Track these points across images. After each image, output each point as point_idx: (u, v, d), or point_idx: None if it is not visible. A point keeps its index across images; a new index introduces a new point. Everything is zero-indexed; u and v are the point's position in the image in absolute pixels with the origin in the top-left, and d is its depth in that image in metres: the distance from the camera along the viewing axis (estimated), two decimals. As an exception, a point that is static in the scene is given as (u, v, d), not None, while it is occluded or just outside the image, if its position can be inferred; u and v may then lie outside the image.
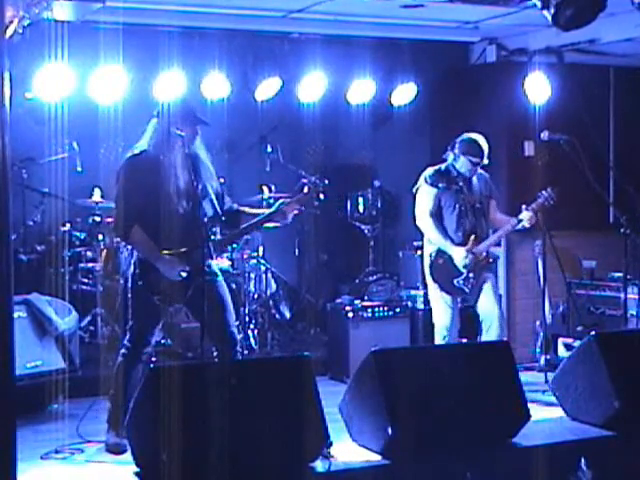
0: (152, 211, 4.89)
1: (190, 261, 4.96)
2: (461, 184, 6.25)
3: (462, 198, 6.23)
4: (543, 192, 6.17)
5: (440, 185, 6.22)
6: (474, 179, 6.31)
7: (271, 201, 7.81)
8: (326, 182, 5.31)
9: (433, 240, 6.20)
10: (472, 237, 6.16)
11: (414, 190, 6.33)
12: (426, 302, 7.50)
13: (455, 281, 6.17)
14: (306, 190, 5.15)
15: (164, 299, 4.97)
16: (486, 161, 6.24)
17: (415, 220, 6.29)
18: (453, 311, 6.24)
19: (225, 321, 5.05)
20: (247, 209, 5.35)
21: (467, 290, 6.21)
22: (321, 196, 5.26)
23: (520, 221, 6.21)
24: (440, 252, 6.19)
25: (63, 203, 7.03)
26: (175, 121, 5.01)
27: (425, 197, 6.24)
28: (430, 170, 6.31)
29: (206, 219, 5.03)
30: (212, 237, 5.16)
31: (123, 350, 5.12)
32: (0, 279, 3.12)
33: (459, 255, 6.12)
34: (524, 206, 6.21)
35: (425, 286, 6.60)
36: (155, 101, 6.82)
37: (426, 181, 6.27)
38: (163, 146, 5.00)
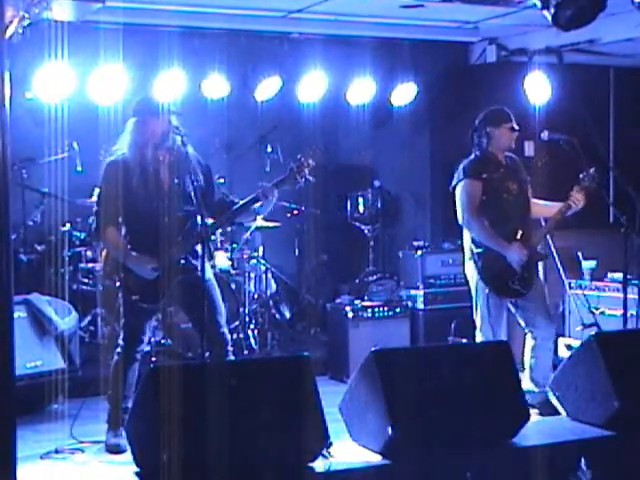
0: (129, 213, 5.00)
1: (165, 258, 4.99)
2: (502, 170, 5.74)
3: (506, 186, 5.72)
4: (585, 173, 5.74)
5: (484, 175, 5.69)
6: (511, 163, 5.82)
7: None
8: (311, 162, 5.23)
9: (483, 240, 5.67)
10: (519, 231, 5.69)
11: (452, 186, 5.80)
12: (426, 302, 7.52)
13: (510, 282, 5.69)
14: (291, 167, 5.16)
15: (142, 298, 5.03)
16: (516, 126, 5.77)
17: (458, 219, 5.76)
18: (497, 319, 5.74)
19: (216, 322, 5.08)
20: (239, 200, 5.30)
21: (524, 291, 5.73)
22: (307, 173, 5.20)
23: (569, 206, 5.72)
24: (488, 252, 5.67)
25: (63, 203, 7.03)
26: (149, 117, 5.04)
27: (469, 192, 5.69)
28: (467, 161, 5.79)
29: (187, 214, 5.03)
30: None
31: (118, 349, 5.17)
32: (0, 279, 3.12)
33: (514, 252, 5.62)
34: (574, 187, 5.75)
35: (469, 294, 5.97)
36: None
37: (466, 174, 5.71)
38: (140, 146, 5.05)
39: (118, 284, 5.08)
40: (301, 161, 5.17)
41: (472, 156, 5.83)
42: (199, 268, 4.93)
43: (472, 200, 5.69)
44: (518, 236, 5.71)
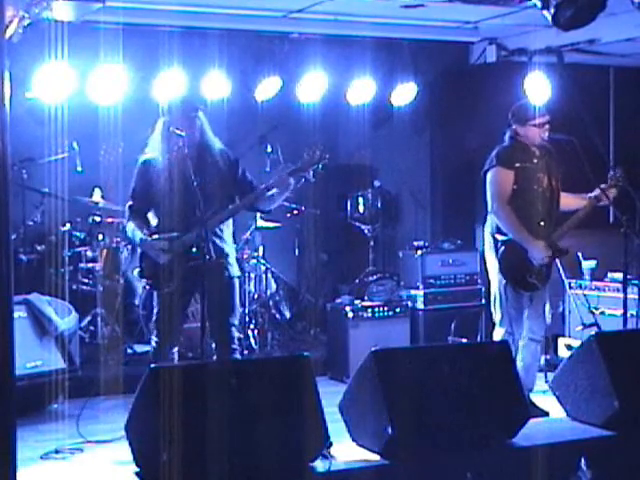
0: (157, 206, 5.24)
1: (178, 245, 5.12)
2: (535, 161, 5.69)
3: (537, 178, 5.65)
4: (614, 171, 5.79)
5: (517, 164, 5.61)
6: (545, 155, 5.75)
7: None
8: (327, 156, 5.32)
9: (509, 231, 5.60)
10: (544, 225, 5.65)
11: (483, 171, 5.74)
12: (426, 302, 7.52)
13: (528, 276, 5.62)
14: (306, 157, 5.26)
15: (154, 283, 5.20)
16: (545, 119, 5.68)
17: (489, 207, 5.68)
18: (518, 311, 5.71)
19: (227, 322, 5.19)
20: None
21: (540, 286, 5.69)
22: (320, 166, 5.31)
23: (598, 200, 5.71)
24: (511, 242, 5.60)
25: (63, 203, 7.03)
26: (175, 119, 5.21)
27: (500, 180, 5.61)
28: (501, 148, 5.72)
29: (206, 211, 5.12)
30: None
31: (153, 344, 5.29)
32: (0, 279, 3.12)
33: (538, 251, 5.57)
34: (602, 185, 5.75)
35: (487, 280, 5.98)
36: (156, 101, 6.84)
37: (500, 161, 5.63)
38: (167, 145, 5.23)
39: (138, 270, 5.29)
40: (316, 153, 5.23)
41: (506, 143, 5.77)
42: (228, 266, 5.22)
43: (503, 189, 5.62)
44: (542, 229, 5.65)
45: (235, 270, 5.33)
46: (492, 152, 5.77)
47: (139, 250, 5.31)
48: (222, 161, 5.31)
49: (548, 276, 5.78)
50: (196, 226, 5.05)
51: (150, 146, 5.32)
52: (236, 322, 5.29)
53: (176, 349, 5.29)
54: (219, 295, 5.10)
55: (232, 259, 5.32)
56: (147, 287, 5.33)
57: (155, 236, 5.16)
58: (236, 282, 5.32)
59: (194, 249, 5.08)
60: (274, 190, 5.27)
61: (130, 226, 5.30)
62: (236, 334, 5.31)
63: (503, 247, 5.67)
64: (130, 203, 5.34)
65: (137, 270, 5.37)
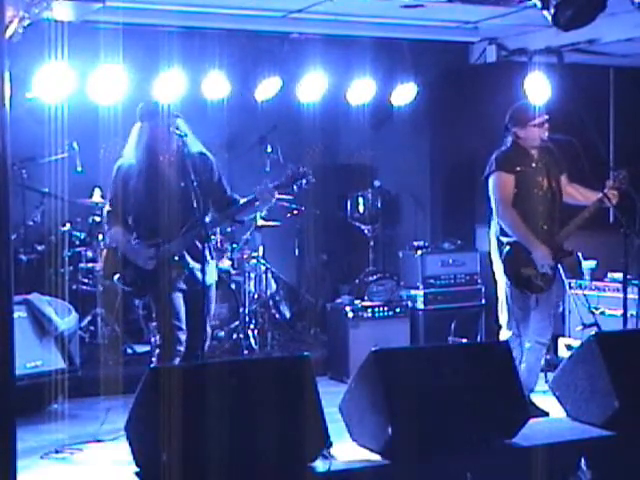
0: (135, 212, 5.26)
1: (161, 252, 5.17)
2: (534, 165, 5.73)
3: (537, 181, 5.69)
4: (617, 173, 5.80)
5: (517, 168, 5.66)
6: (545, 156, 5.77)
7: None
8: (311, 177, 5.35)
9: (515, 233, 5.64)
10: (546, 227, 5.69)
11: (484, 176, 5.78)
12: (426, 302, 7.52)
13: (533, 277, 5.66)
14: (289, 173, 5.28)
15: (135, 291, 5.32)
16: (544, 118, 5.72)
17: (495, 212, 5.71)
18: (525, 312, 5.72)
19: (200, 327, 5.21)
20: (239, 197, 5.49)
21: (545, 287, 5.71)
22: (303, 182, 5.34)
23: (602, 202, 5.71)
24: (516, 244, 5.64)
25: (63, 203, 7.03)
26: (153, 122, 5.28)
27: (502, 185, 5.65)
28: (500, 152, 5.76)
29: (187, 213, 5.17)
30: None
31: (157, 350, 5.30)
32: (0, 279, 3.12)
33: (542, 255, 5.62)
34: (608, 183, 5.76)
35: (492, 281, 5.99)
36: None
37: (499, 166, 5.67)
38: (145, 149, 5.29)
39: (117, 277, 5.24)
40: (299, 170, 5.27)
41: (504, 147, 5.79)
42: (195, 275, 5.19)
43: (507, 193, 5.65)
44: (545, 232, 5.67)
45: (211, 277, 5.30)
46: (491, 156, 5.79)
47: (120, 256, 5.27)
48: (202, 167, 5.31)
49: (553, 278, 5.79)
50: (180, 233, 5.15)
51: (127, 151, 5.36)
52: (208, 328, 5.31)
53: (181, 348, 5.28)
54: (194, 303, 5.19)
55: (210, 266, 5.26)
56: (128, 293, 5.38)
57: (135, 244, 5.21)
58: (212, 289, 5.33)
59: (176, 257, 5.17)
60: (256, 203, 5.27)
61: (115, 231, 5.29)
62: (207, 340, 5.36)
63: (507, 248, 5.70)
64: (109, 209, 5.36)
65: (117, 276, 5.30)
